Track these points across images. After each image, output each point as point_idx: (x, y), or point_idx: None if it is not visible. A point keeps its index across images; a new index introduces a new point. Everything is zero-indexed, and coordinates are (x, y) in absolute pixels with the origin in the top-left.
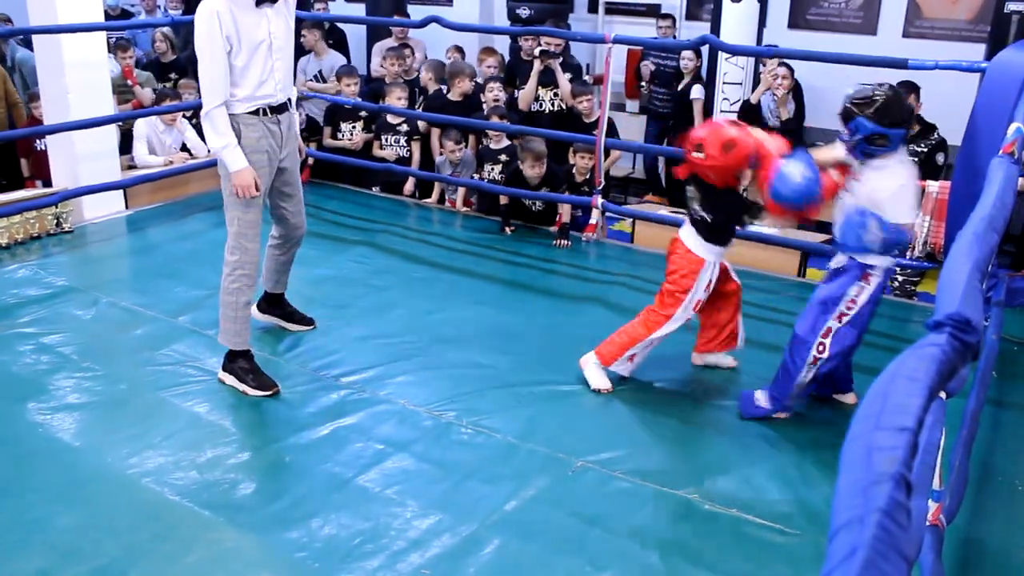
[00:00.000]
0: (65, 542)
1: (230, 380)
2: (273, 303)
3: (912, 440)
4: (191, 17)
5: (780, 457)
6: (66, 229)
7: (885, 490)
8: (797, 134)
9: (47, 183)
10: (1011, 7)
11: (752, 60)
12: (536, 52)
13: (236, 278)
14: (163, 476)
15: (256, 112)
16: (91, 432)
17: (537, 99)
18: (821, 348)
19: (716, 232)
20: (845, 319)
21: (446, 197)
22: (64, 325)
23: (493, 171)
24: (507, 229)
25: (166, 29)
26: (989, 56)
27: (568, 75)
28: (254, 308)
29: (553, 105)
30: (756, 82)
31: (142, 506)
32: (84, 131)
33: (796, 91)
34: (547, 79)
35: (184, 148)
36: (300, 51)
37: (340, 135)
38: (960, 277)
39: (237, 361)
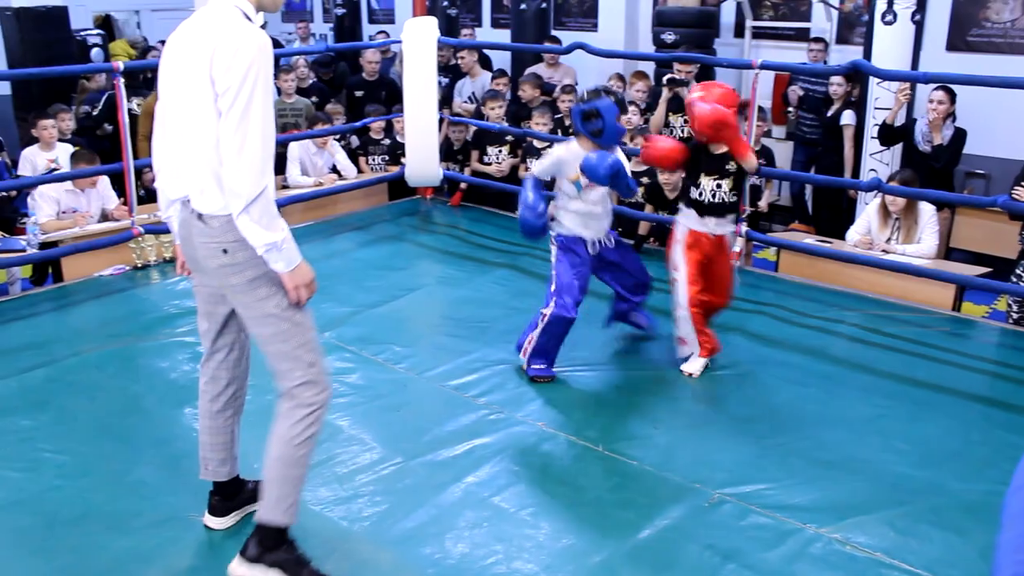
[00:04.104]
0: (215, 542)
1: None
2: (234, 492)
3: None
4: (345, 45)
5: (928, 499)
6: None
7: None
8: (952, 161)
9: None
10: None
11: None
12: (664, 80)
13: (311, 423)
14: (304, 484)
15: None
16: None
17: (667, 125)
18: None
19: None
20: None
21: None
22: None
23: (636, 195)
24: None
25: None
26: None
27: None
28: (212, 519)
29: (683, 131)
30: (911, 107)
31: None
32: None
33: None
34: (678, 106)
35: (334, 169)
36: (456, 73)
37: (487, 159)
38: None
39: (285, 548)
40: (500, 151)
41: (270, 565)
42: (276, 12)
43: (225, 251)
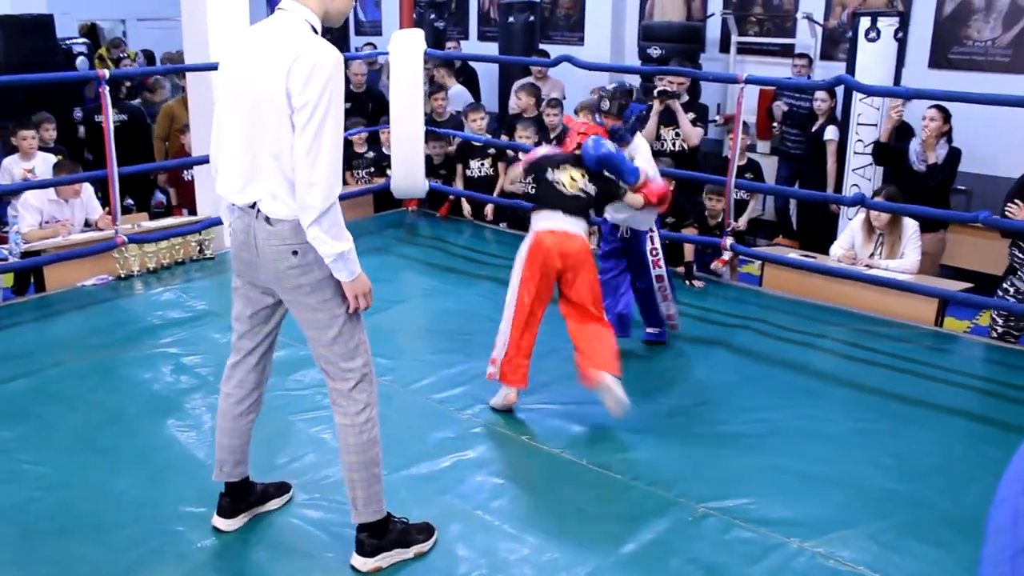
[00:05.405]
0: (197, 554)
1: (395, 558)
2: (244, 494)
3: None
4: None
5: (910, 514)
6: (208, 255)
7: None
8: (947, 180)
9: (192, 211)
10: None
11: (888, 101)
12: (656, 92)
13: (373, 422)
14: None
15: None
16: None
17: (659, 138)
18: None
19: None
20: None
21: None
22: (202, 347)
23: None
24: None
25: None
26: None
27: (691, 115)
28: (221, 520)
29: (675, 145)
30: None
31: (268, 526)
32: None
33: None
34: (669, 119)
35: None
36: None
37: (469, 172)
38: None
39: (392, 528)
40: (483, 164)
41: (390, 548)
42: (339, 25)
43: (295, 252)
